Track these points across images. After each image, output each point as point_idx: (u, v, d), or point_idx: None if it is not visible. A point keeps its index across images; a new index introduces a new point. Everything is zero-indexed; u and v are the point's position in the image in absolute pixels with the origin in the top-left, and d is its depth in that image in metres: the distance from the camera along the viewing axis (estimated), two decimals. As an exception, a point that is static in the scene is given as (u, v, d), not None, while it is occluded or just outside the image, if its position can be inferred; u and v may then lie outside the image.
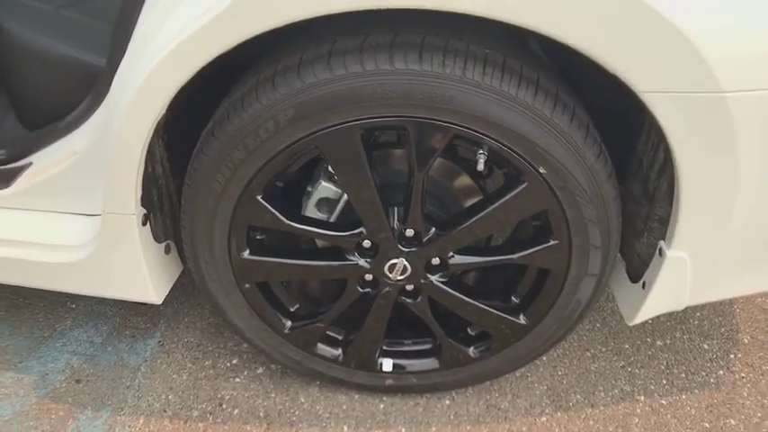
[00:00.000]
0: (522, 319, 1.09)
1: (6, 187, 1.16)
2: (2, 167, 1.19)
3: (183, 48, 0.80)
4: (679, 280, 0.97)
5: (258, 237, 1.06)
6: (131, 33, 0.97)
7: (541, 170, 0.89)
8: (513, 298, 1.12)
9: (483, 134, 0.86)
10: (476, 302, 1.09)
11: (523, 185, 0.92)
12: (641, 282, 1.03)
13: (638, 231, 1.04)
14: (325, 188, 1.04)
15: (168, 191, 1.09)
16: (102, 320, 1.48)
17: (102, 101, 1.07)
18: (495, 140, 0.86)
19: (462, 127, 0.85)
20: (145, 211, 1.04)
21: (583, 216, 0.94)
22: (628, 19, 0.74)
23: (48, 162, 1.16)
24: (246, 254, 1.03)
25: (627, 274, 1.11)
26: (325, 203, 1.06)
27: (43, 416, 1.28)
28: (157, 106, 0.86)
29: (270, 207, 0.97)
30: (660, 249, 0.96)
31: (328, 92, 0.83)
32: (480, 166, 0.93)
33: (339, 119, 0.85)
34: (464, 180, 1.06)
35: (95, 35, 1.23)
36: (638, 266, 1.05)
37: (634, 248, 1.07)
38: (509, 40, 0.91)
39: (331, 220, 1.05)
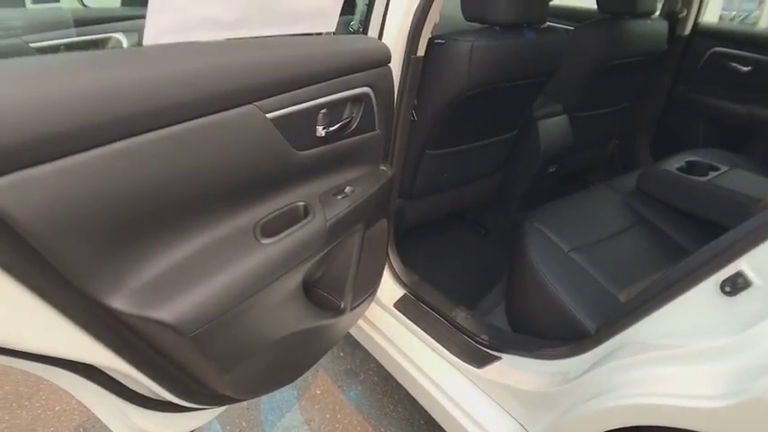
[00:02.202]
0: None
1: (478, 368, 1.54)
2: (481, 348, 1.59)
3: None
4: None
5: None
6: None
7: None
8: None
9: None
10: None
11: None
12: None
13: None
14: None
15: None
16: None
17: (581, 353, 1.33)
18: None
19: None
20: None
21: None
22: None
23: (511, 367, 1.49)
24: None
25: None
26: None
27: None
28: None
29: None
30: None
31: None
32: None
33: None
34: None
35: (592, 290, 1.52)
36: None
37: None
38: None
39: None
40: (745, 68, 2.35)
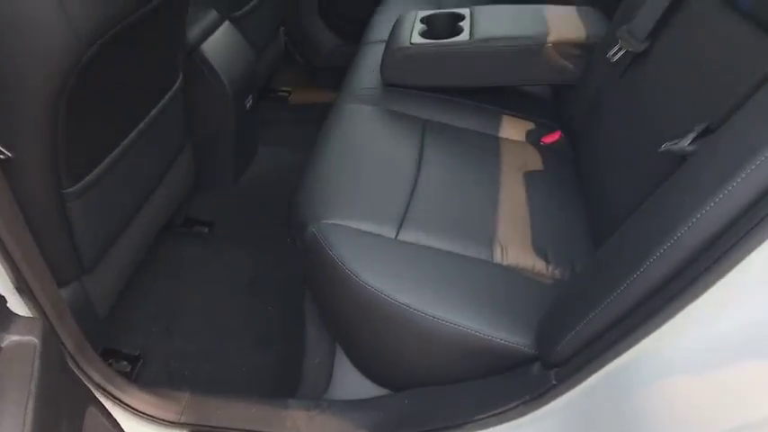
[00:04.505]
0: None
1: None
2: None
3: None
4: None
5: None
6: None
7: None
8: None
9: None
10: None
11: None
12: None
13: None
14: None
15: None
16: None
17: (541, 405, 0.78)
18: None
19: None
20: None
21: None
22: None
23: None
24: None
25: None
26: None
27: None
28: None
29: None
30: None
31: None
32: None
33: None
34: None
35: (464, 276, 0.93)
36: None
37: None
38: None
39: None
40: None
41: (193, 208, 1.64)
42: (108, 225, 1.14)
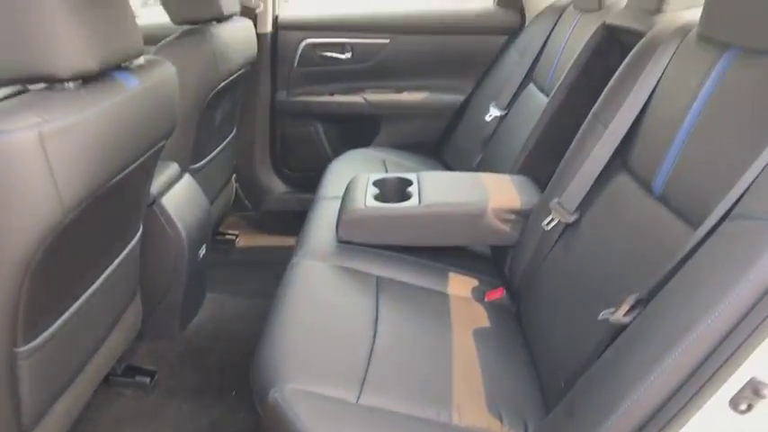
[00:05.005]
0: None
1: None
2: None
3: None
4: None
5: None
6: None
7: None
8: None
9: None
10: None
11: None
12: None
13: None
14: None
15: None
16: None
17: None
18: None
19: None
20: None
21: None
22: None
23: None
24: None
25: None
26: None
27: None
28: None
29: None
30: None
31: None
32: None
33: None
34: None
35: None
36: None
37: None
38: None
39: None
40: (346, 55, 2.06)
41: (135, 356, 1.59)
42: (54, 383, 1.09)
